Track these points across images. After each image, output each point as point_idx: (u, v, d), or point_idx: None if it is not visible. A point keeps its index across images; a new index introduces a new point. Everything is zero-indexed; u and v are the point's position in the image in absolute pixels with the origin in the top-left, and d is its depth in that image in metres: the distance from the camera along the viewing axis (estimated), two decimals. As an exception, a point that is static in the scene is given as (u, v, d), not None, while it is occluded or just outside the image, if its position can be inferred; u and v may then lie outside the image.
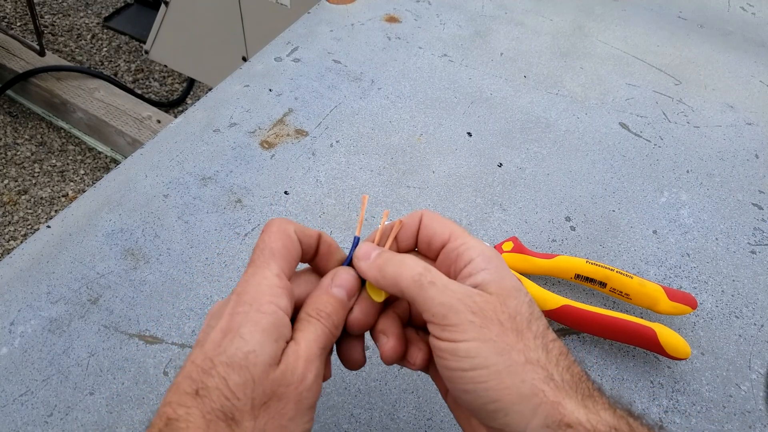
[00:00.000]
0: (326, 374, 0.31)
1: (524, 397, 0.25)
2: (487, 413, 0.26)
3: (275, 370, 0.26)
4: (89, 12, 2.30)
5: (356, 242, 0.32)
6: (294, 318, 0.30)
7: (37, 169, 1.75)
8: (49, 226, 0.52)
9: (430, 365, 0.32)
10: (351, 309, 0.31)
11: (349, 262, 0.32)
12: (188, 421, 0.25)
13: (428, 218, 0.32)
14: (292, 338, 0.28)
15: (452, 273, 0.30)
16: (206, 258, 0.50)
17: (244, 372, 0.25)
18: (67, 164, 1.77)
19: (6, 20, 2.22)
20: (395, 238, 0.33)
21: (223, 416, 0.25)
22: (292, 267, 0.30)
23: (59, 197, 1.69)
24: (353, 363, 0.32)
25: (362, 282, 0.32)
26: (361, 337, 0.33)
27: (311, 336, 0.28)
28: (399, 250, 0.33)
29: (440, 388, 0.32)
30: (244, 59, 1.39)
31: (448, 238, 0.31)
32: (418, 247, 0.33)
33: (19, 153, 1.78)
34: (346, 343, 0.32)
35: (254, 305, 0.27)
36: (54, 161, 1.77)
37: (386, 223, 0.33)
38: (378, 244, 0.32)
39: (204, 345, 0.27)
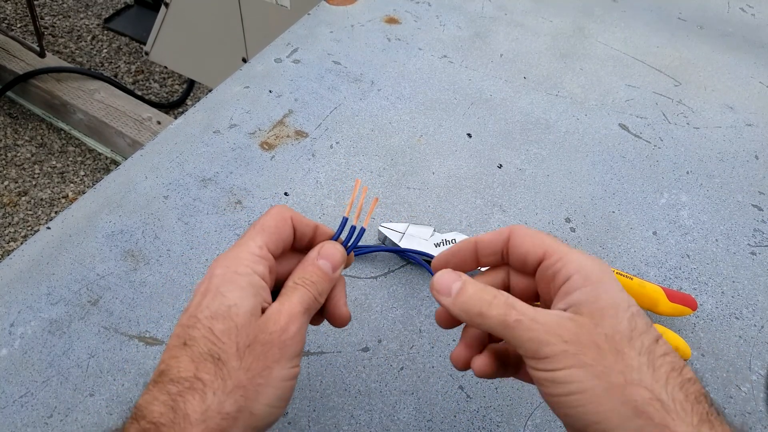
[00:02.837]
0: (316, 322, 0.34)
1: (626, 418, 0.25)
2: None
3: (257, 320, 0.28)
4: (89, 13, 2.30)
5: (344, 222, 0.34)
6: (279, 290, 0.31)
7: (37, 171, 1.75)
8: (49, 228, 0.52)
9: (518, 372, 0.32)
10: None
11: (336, 237, 0.34)
12: (179, 367, 0.27)
13: (518, 236, 0.31)
14: (276, 301, 0.30)
15: (551, 292, 0.29)
16: (206, 259, 0.50)
17: (227, 321, 0.28)
18: (67, 165, 1.77)
19: (6, 21, 2.22)
20: (476, 253, 0.32)
21: (211, 358, 0.27)
22: (279, 245, 0.32)
23: (59, 198, 1.69)
24: (340, 320, 0.34)
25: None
26: (343, 292, 0.34)
27: (295, 299, 0.30)
28: (480, 265, 0.33)
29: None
30: (244, 60, 1.39)
31: (543, 255, 0.30)
32: (511, 265, 0.32)
33: (19, 154, 1.78)
34: (330, 302, 0.33)
35: (231, 267, 0.29)
36: (54, 162, 1.77)
37: (359, 192, 0.34)
38: (356, 221, 0.34)
39: (188, 308, 0.29)
